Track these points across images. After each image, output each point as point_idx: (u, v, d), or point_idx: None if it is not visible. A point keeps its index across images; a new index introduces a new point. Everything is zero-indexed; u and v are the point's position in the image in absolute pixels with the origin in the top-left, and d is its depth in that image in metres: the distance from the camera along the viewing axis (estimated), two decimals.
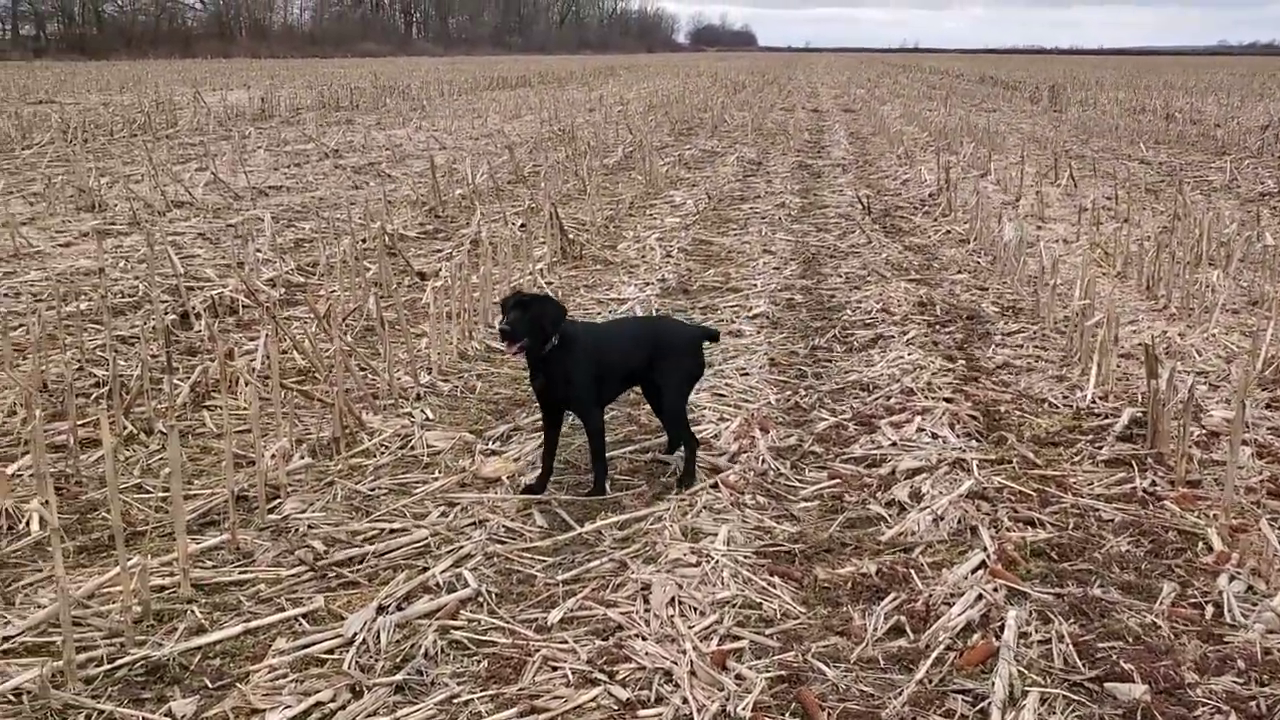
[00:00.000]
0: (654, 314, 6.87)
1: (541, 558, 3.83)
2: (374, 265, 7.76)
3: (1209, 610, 3.48)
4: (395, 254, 8.12)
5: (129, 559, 3.42)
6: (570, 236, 8.81)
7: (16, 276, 7.84)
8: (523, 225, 9.04)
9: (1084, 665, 3.17)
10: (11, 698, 2.97)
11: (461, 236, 9.25)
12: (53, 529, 3.10)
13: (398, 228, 9.58)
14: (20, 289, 7.52)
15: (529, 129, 19.28)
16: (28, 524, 4.01)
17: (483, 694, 3.02)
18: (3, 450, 4.76)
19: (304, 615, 3.41)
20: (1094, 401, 5.40)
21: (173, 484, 3.65)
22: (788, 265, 8.62)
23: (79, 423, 4.63)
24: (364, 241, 8.61)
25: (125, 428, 4.91)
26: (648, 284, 7.84)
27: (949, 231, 10.10)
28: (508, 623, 3.39)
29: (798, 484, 4.49)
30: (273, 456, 4.42)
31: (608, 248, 9.16)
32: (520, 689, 3.04)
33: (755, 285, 7.92)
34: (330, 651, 3.21)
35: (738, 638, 3.31)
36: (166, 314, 6.59)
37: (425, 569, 3.71)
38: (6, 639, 3.27)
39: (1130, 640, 3.30)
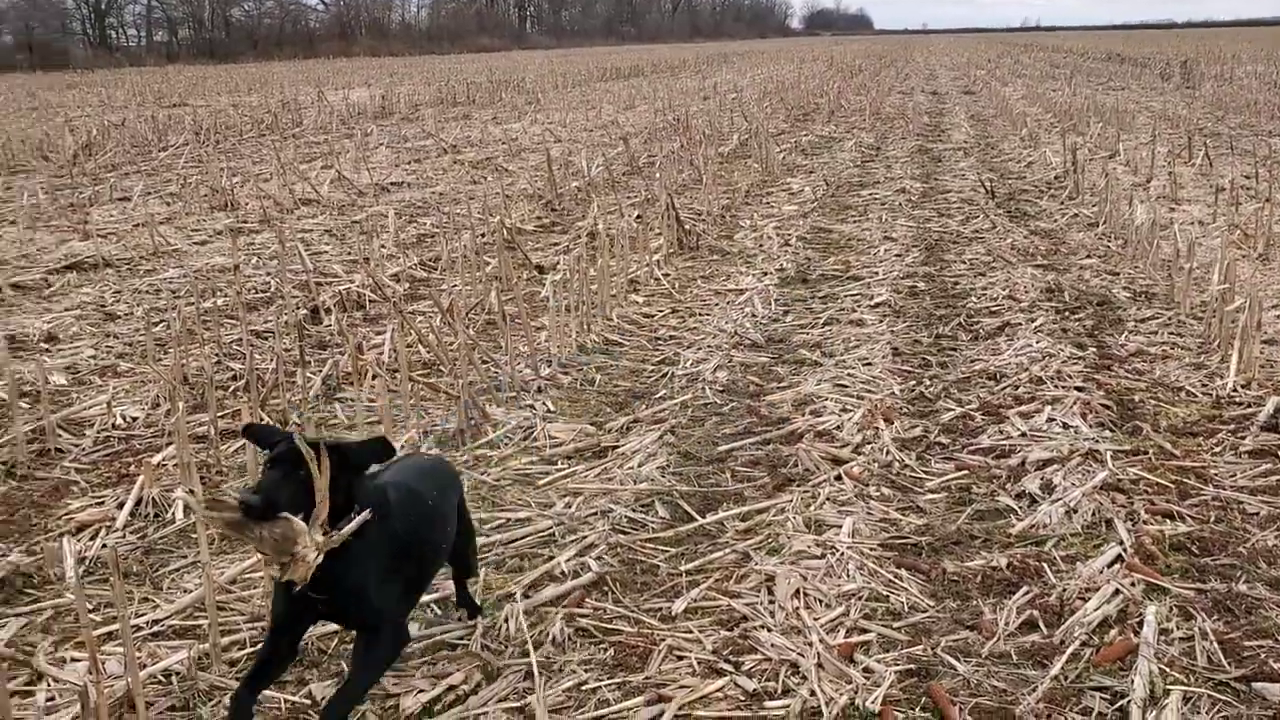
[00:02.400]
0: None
1: (664, 548, 3.85)
2: (493, 259, 7.88)
3: None
4: (514, 248, 8.23)
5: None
6: (686, 227, 8.80)
7: (156, 274, 8.18)
8: (639, 217, 9.06)
9: (1229, 664, 3.05)
10: (161, 678, 3.11)
11: (578, 229, 9.33)
12: (199, 515, 3.23)
13: (515, 221, 9.71)
14: (160, 286, 7.85)
15: (643, 119, 19.33)
16: (173, 512, 4.19)
17: (610, 681, 3.05)
18: (148, 441, 4.98)
19: (435, 601, 3.49)
20: (1235, 390, 5.17)
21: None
22: (909, 252, 8.47)
23: (218, 414, 4.81)
24: (483, 236, 8.75)
25: (262, 419, 5.08)
26: (765, 274, 7.79)
27: (1076, 215, 9.79)
28: (633, 612, 3.41)
29: (924, 475, 4.42)
30: (402, 447, 4.53)
31: (724, 237, 9.13)
32: (646, 677, 3.06)
33: (876, 273, 7.80)
34: (461, 638, 3.28)
35: (865, 630, 3.27)
36: (298, 309, 6.81)
37: (550, 558, 3.76)
38: (155, 622, 3.43)
39: None
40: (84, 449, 4.90)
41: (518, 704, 2.94)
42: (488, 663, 3.11)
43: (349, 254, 8.53)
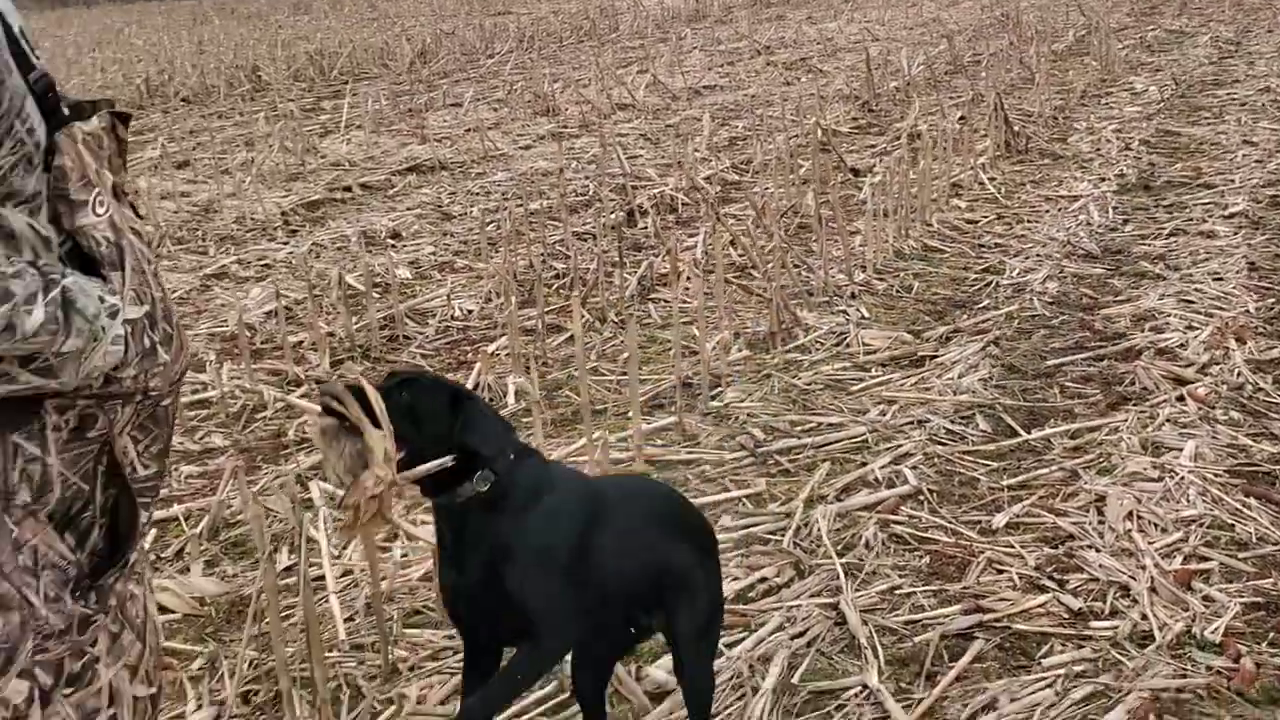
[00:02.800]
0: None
1: (985, 462, 3.72)
2: (807, 162, 7.77)
3: None
4: (829, 150, 8.07)
5: (593, 433, 3.72)
6: (1015, 128, 8.32)
7: (486, 177, 8.65)
8: (962, 118, 8.65)
9: None
10: None
11: (896, 130, 9.02)
12: (534, 400, 3.43)
13: (830, 123, 9.51)
14: (489, 188, 8.30)
15: (968, 16, 18.32)
16: (505, 397, 4.47)
17: (925, 588, 3.01)
18: (482, 332, 5.32)
19: (747, 496, 3.55)
20: None
21: (630, 368, 3.92)
22: (1273, 159, 7.62)
23: (545, 310, 5.06)
24: (796, 138, 8.64)
25: (583, 316, 5.30)
26: (1103, 180, 7.26)
27: None
28: (950, 523, 3.34)
29: (1279, 401, 4.02)
30: (714, 347, 4.60)
31: (1056, 140, 8.56)
32: (964, 587, 3.00)
33: (1232, 180, 7.08)
34: (772, 533, 3.33)
35: (1205, 559, 3.05)
36: (614, 212, 7.01)
37: (864, 464, 3.73)
38: None
39: None
40: (427, 337, 5.30)
41: (829, 600, 2.96)
42: (799, 560, 3.15)
43: (663, 158, 8.67)
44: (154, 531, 3.38)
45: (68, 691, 1.18)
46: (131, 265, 1.21)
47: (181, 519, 3.61)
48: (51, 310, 1.11)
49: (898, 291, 5.48)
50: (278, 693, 2.58)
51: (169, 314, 1.26)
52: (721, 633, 2.42)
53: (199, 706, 2.69)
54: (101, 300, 1.17)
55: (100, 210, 1.19)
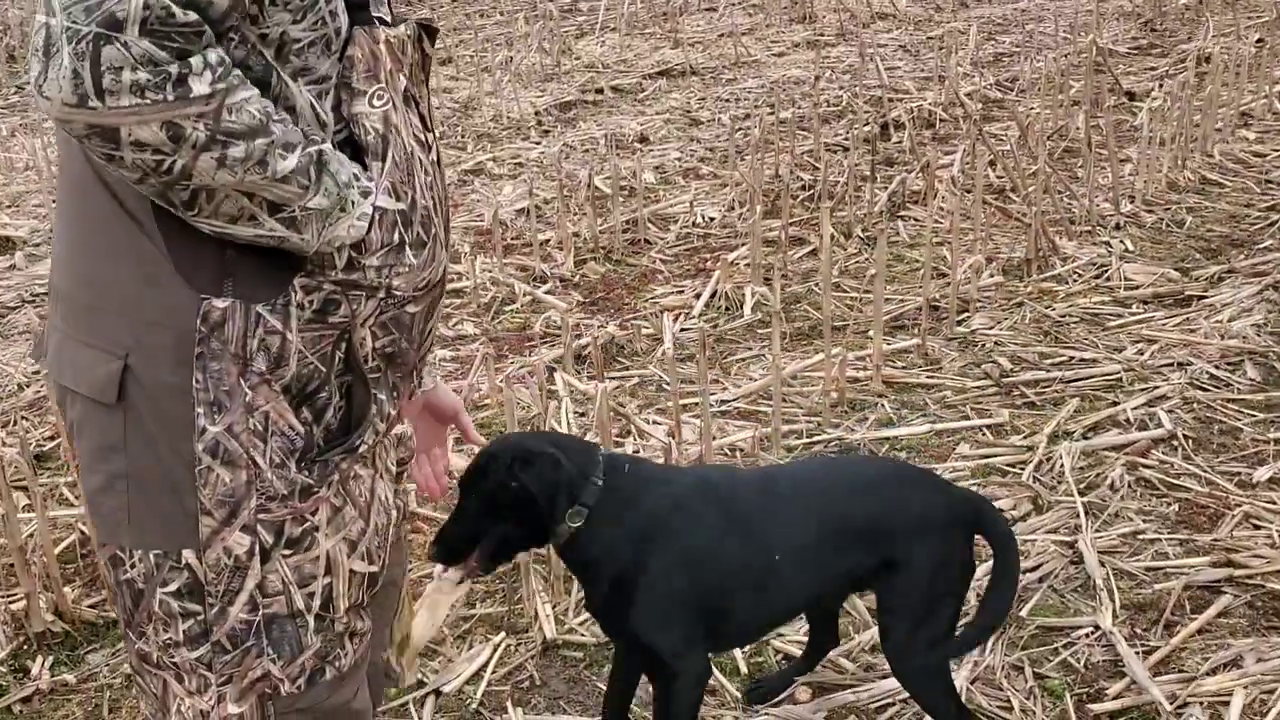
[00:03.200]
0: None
1: (1250, 412, 3.48)
2: (1078, 83, 7.31)
3: None
4: (1103, 70, 7.56)
5: (832, 349, 3.70)
6: None
7: (737, 83, 8.57)
8: (1260, 40, 7.91)
9: None
10: (727, 450, 3.41)
11: (1181, 53, 8.35)
12: (774, 311, 3.43)
13: (1107, 42, 8.89)
14: (740, 95, 8.23)
15: None
16: (742, 308, 4.49)
17: (1170, 536, 2.87)
18: (723, 240, 5.33)
19: (988, 426, 3.46)
20: None
21: (876, 285, 3.86)
22: None
23: (789, 221, 5.02)
24: (1067, 56, 8.13)
25: (830, 233, 5.23)
26: None
27: None
28: (1205, 472, 3.15)
29: None
30: (965, 270, 4.46)
31: None
32: (1214, 539, 2.85)
33: None
34: (1011, 465, 3.24)
35: None
36: (868, 124, 6.83)
37: (1115, 403, 3.56)
38: (724, 403, 3.74)
39: None
40: (668, 242, 5.36)
41: (1067, 538, 2.87)
42: (1038, 494, 3.06)
43: (922, 71, 8.35)
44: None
45: (287, 553, 1.26)
46: (395, 159, 1.24)
47: None
48: (304, 162, 1.15)
49: (1168, 225, 5.13)
50: (517, 565, 2.73)
51: (429, 223, 1.27)
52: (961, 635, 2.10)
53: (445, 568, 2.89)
54: (356, 178, 1.20)
55: (377, 104, 1.22)
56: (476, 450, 1.91)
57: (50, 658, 2.64)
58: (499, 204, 5.68)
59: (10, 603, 2.75)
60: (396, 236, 1.23)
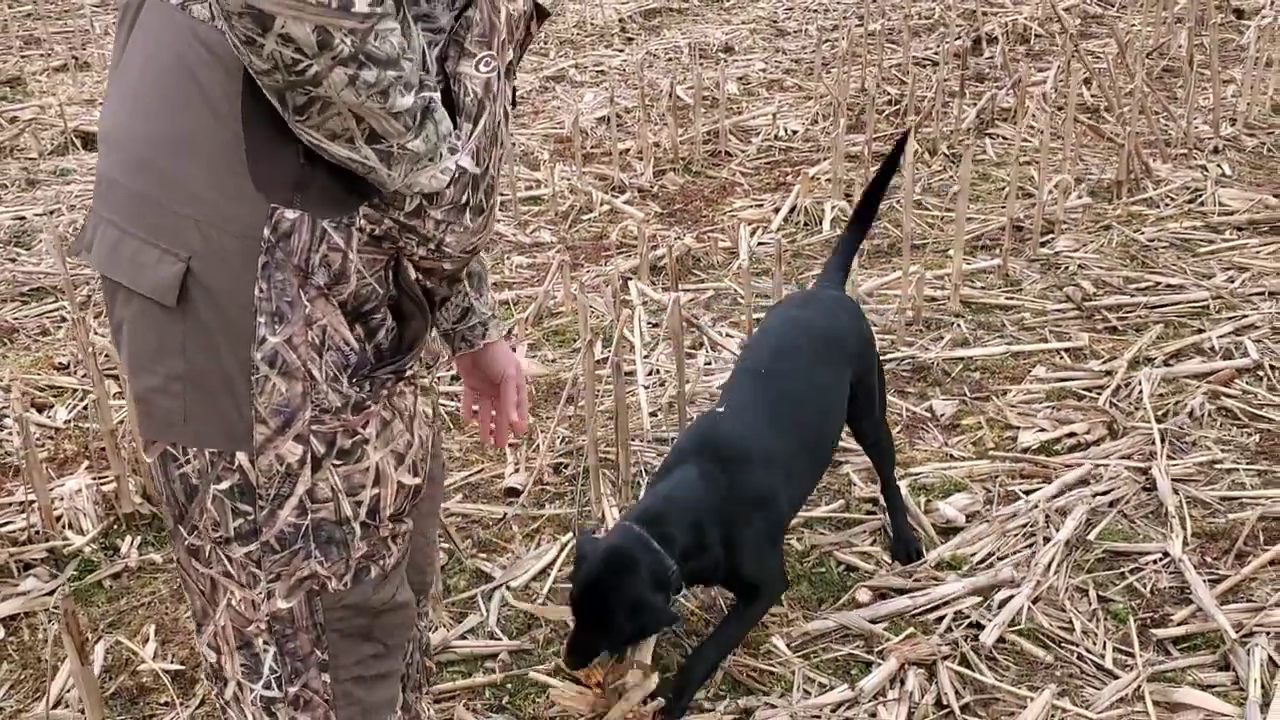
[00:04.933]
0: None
1: None
2: None
3: None
4: None
5: (910, 267, 3.65)
6: None
7: None
8: None
9: None
10: None
11: None
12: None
13: None
14: (829, 5, 8.03)
15: None
16: (822, 223, 4.44)
17: (1249, 467, 2.81)
18: (805, 155, 5.25)
19: (1066, 350, 3.40)
20: None
21: (958, 203, 3.78)
22: None
23: (873, 136, 4.92)
24: None
25: (916, 149, 5.12)
26: None
27: None
28: None
29: None
30: (1052, 190, 4.34)
31: None
32: None
33: None
34: (1088, 389, 3.19)
35: None
36: (960, 38, 6.63)
37: (1200, 330, 3.47)
38: None
39: None
40: (749, 155, 5.30)
41: (1141, 464, 2.83)
42: (1114, 419, 3.01)
43: None
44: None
45: (337, 463, 1.28)
46: (485, 126, 1.25)
47: (510, 304, 3.88)
48: (418, 105, 1.17)
49: (1269, 150, 4.93)
50: (585, 469, 2.78)
51: (491, 192, 1.29)
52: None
53: (516, 470, 2.95)
54: (450, 133, 1.22)
55: (484, 69, 1.23)
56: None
57: (138, 537, 2.76)
58: (580, 111, 5.65)
59: (102, 484, 2.87)
60: (465, 198, 1.25)
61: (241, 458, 1.25)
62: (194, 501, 1.29)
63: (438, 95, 1.21)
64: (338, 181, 1.20)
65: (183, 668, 2.35)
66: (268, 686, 1.34)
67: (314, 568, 1.30)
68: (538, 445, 3.02)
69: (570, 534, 2.68)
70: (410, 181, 1.20)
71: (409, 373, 1.33)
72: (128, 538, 2.75)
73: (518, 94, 1.61)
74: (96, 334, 3.27)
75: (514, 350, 1.73)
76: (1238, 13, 7.02)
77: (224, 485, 1.27)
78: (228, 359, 1.22)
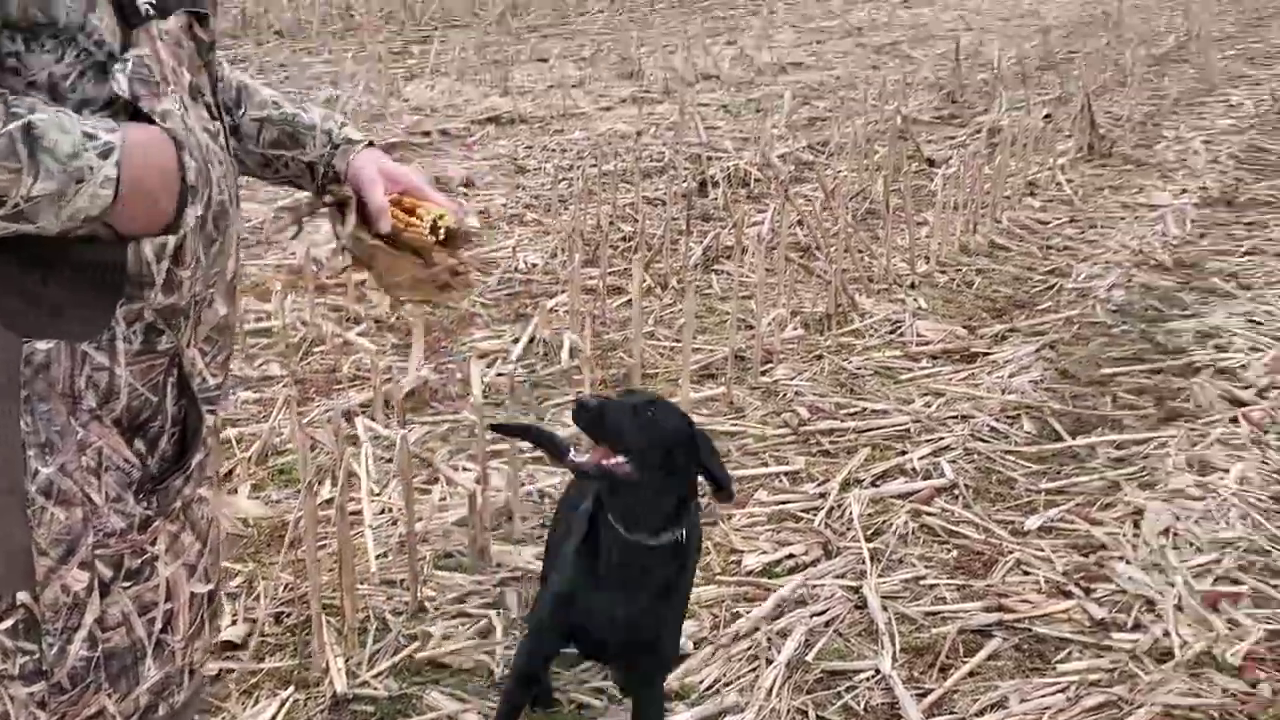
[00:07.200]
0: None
1: (1025, 463, 3.72)
2: (883, 148, 7.70)
3: None
4: (906, 138, 8.00)
5: None
6: (1101, 131, 8.17)
7: (563, 134, 8.69)
8: (1047, 116, 8.51)
9: None
10: (535, 498, 3.42)
11: (978, 124, 8.90)
12: (585, 357, 3.48)
13: (912, 111, 9.41)
14: (566, 145, 8.34)
15: (1067, 11, 17.92)
16: (560, 353, 4.54)
17: (949, 581, 3.03)
18: (544, 286, 5.38)
19: (784, 473, 3.59)
20: None
21: (684, 334, 3.96)
22: None
23: (608, 270, 5.11)
24: (875, 123, 8.56)
25: (644, 280, 5.35)
26: (1184, 191, 7.10)
27: None
28: (982, 520, 3.35)
29: None
30: (770, 323, 4.62)
31: (1142, 146, 8.39)
32: (988, 584, 3.02)
33: None
34: (805, 511, 3.36)
35: (1238, 582, 3.03)
36: (687, 180, 7.02)
37: (903, 453, 3.74)
38: (536, 448, 3.75)
39: None
40: (490, 286, 5.37)
41: (853, 583, 3.00)
42: (828, 540, 3.18)
43: (741, 131, 8.65)
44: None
45: (126, 585, 1.24)
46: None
47: (234, 442, 3.73)
48: (4, 144, 1.04)
49: (959, 286, 5.45)
50: (308, 617, 2.67)
51: (221, 219, 1.25)
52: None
53: (234, 621, 2.80)
54: (91, 137, 1.10)
55: (169, 105, 1.19)
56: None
57: None
58: (314, 241, 5.58)
59: None
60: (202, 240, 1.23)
61: (23, 596, 1.19)
62: None
63: (41, 113, 1.07)
64: (86, 293, 1.14)
65: None
66: None
67: (103, 703, 1.24)
68: (258, 593, 2.88)
69: (291, 688, 2.56)
70: (70, 215, 1.09)
71: (194, 464, 1.30)
72: None
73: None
74: None
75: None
76: (930, 162, 7.79)
77: (6, 624, 1.20)
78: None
